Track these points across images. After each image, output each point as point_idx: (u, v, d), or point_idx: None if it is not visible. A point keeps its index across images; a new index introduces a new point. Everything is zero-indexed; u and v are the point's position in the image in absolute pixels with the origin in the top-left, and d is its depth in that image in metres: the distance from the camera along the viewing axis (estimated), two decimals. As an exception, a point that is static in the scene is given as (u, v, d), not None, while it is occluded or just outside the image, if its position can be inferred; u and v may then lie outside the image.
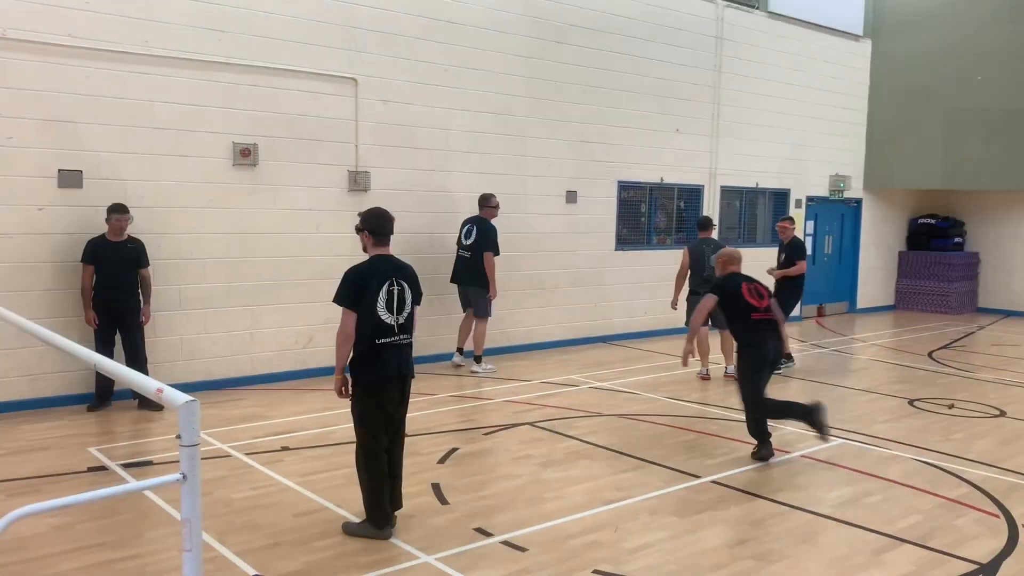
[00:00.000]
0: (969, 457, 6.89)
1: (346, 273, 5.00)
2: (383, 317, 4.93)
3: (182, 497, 2.82)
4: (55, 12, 7.69)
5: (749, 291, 6.89)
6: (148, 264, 7.93)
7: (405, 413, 5.25)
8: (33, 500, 5.29)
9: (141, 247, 7.87)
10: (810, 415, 6.50)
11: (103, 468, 6.20)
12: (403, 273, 5.09)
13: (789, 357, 10.31)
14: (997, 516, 5.55)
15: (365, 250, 5.19)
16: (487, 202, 9.96)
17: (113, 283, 7.67)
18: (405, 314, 5.03)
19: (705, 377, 9.88)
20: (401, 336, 5.02)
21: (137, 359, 7.69)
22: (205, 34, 8.48)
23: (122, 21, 8.02)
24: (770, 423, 6.81)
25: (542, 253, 11.44)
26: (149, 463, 6.33)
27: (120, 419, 7.55)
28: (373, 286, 4.91)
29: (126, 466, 6.22)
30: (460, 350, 10.14)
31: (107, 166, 8.06)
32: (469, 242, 9.82)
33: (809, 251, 15.53)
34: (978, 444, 7.30)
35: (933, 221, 17.10)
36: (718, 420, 7.94)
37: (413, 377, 5.21)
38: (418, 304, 5.19)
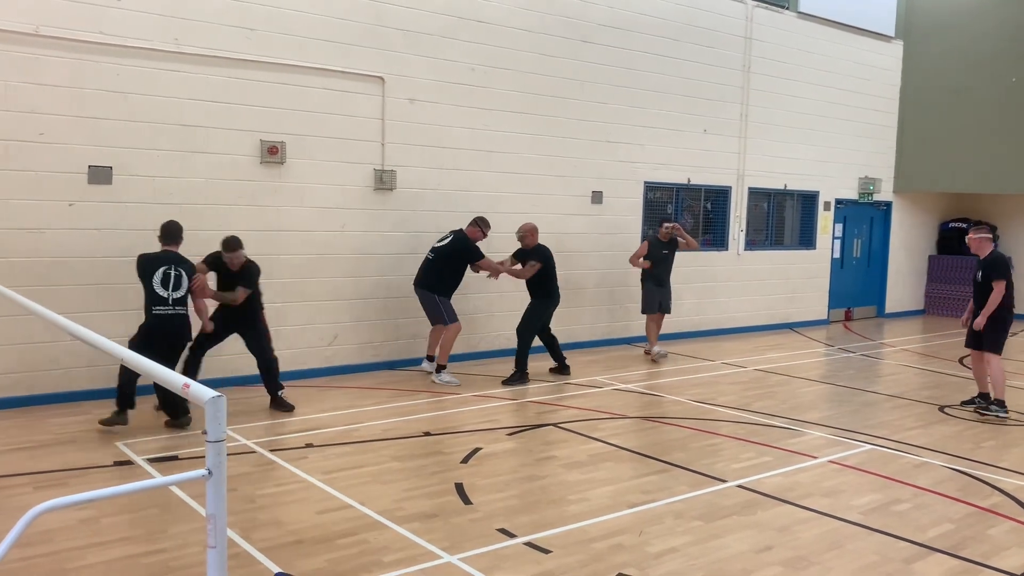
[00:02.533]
0: (1002, 466, 6.75)
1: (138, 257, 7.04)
2: (159, 292, 6.94)
3: (208, 493, 2.81)
4: (87, 9, 7.76)
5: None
6: (251, 287, 7.70)
7: (177, 360, 7.22)
8: (60, 493, 5.33)
9: (249, 272, 7.69)
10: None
11: (129, 462, 6.24)
12: (181, 263, 7.09)
13: (986, 398, 8.51)
14: (1031, 526, 5.43)
15: None
16: (478, 223, 9.52)
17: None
18: (180, 292, 7.01)
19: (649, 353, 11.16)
20: (174, 307, 6.99)
21: (268, 367, 7.93)
22: (234, 32, 8.53)
23: (153, 19, 8.09)
24: None
25: (567, 254, 11.38)
26: (175, 458, 6.36)
27: (146, 414, 7.60)
28: (154, 268, 6.96)
29: (152, 461, 6.26)
30: (430, 357, 9.52)
31: (136, 163, 8.13)
32: (440, 245, 9.37)
33: (837, 254, 15.40)
34: (1011, 452, 7.16)
35: (964, 225, 16.80)
36: (745, 424, 7.85)
37: (182, 341, 7.15)
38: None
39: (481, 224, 9.53)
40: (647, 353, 11.22)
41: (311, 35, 9.01)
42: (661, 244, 11.04)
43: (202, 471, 2.78)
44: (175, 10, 8.19)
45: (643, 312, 11.22)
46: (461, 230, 9.49)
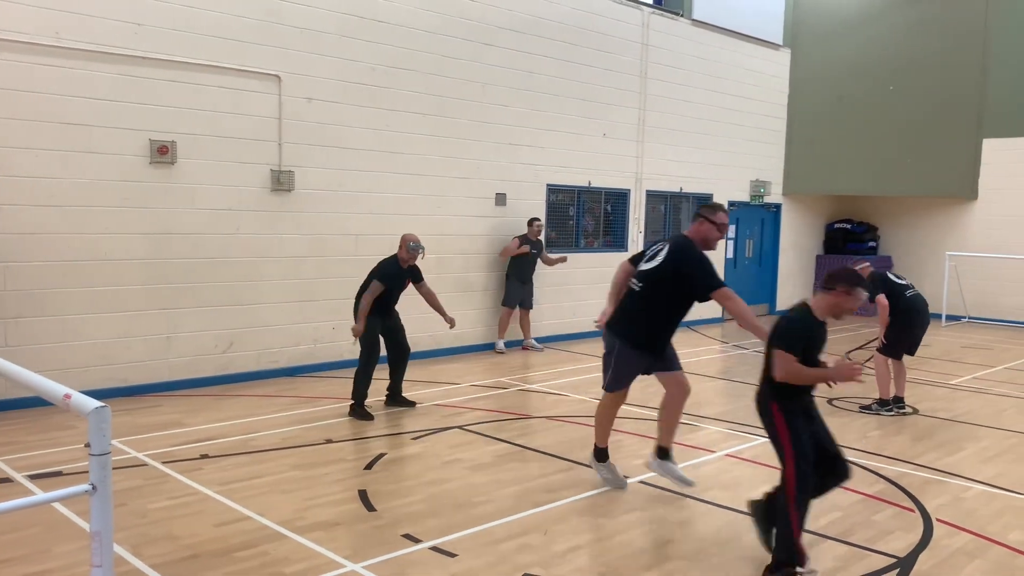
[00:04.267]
0: (885, 454, 7.10)
1: None
2: None
3: (92, 509, 2.66)
4: (-43, -1, 7.30)
5: None
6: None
7: None
8: (-70, 515, 4.98)
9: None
10: None
11: (8, 480, 5.88)
12: None
13: (883, 403, 8.67)
14: (913, 511, 5.72)
15: None
16: (708, 215, 5.94)
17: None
18: None
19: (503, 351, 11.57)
20: None
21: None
22: (121, 27, 8.17)
23: (31, 11, 7.65)
24: None
25: (471, 255, 11.39)
26: (59, 473, 6.03)
27: (27, 428, 7.19)
28: None
29: (33, 477, 5.92)
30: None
31: (13, 163, 7.67)
32: (649, 266, 5.96)
33: (731, 254, 15.92)
34: (893, 442, 7.54)
35: (848, 226, 17.70)
36: (646, 420, 8.00)
37: None
38: None
39: (710, 214, 5.93)
40: (524, 347, 11.86)
41: (203, 31, 8.71)
42: (530, 243, 11.45)
43: (85, 486, 2.64)
44: (56, 2, 7.78)
45: (503, 304, 11.58)
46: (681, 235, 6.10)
